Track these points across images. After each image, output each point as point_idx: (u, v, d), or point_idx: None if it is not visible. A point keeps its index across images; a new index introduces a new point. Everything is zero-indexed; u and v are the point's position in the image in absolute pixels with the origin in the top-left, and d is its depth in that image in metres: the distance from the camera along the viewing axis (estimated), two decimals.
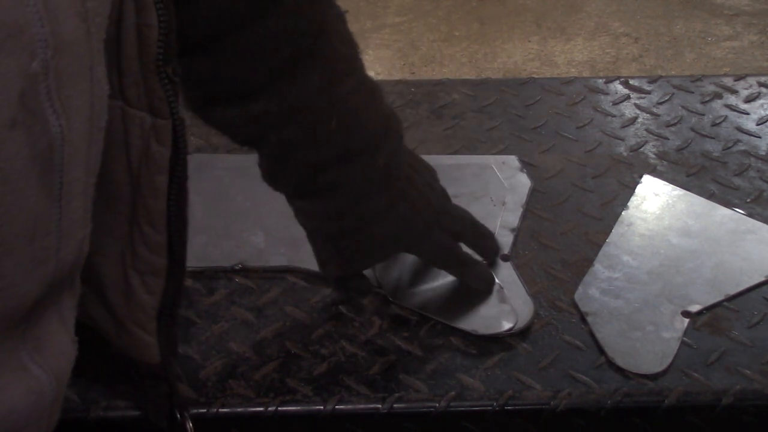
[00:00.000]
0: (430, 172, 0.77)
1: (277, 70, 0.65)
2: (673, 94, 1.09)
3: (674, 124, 1.04)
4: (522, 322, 0.76)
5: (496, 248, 0.81)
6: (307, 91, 0.66)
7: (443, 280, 0.79)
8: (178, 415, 0.64)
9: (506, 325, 0.75)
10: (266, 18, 0.64)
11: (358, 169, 0.69)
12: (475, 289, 0.78)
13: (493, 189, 0.91)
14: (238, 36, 0.64)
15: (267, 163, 0.71)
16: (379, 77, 2.63)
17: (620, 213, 0.89)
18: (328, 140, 0.68)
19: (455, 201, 0.78)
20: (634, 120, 1.04)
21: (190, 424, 0.64)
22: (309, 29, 0.66)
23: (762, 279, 0.82)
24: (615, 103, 1.07)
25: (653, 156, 0.98)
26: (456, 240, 0.77)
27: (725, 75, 1.15)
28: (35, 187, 0.40)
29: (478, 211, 0.82)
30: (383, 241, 0.72)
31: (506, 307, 0.76)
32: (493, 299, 0.78)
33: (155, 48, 0.49)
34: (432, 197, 0.74)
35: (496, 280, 0.79)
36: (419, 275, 0.80)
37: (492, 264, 0.81)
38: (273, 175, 0.71)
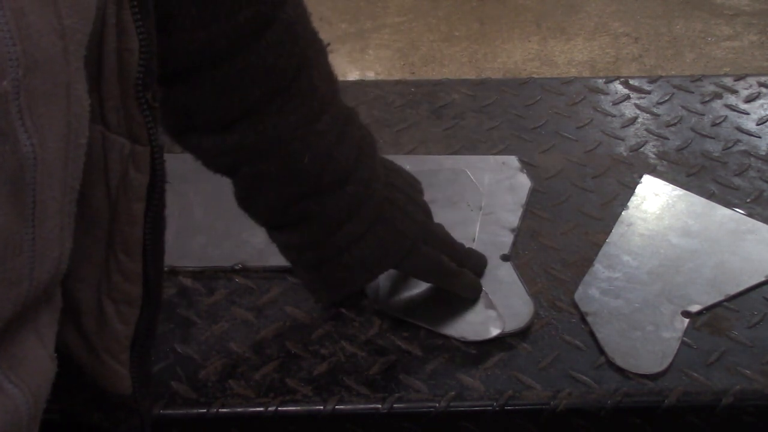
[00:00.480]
0: (412, 186, 0.76)
1: (254, 105, 0.66)
2: (673, 94, 1.09)
3: (674, 124, 1.04)
4: (522, 322, 0.76)
5: (483, 262, 0.81)
6: (282, 127, 0.67)
7: (428, 287, 0.79)
8: None
9: (494, 331, 0.75)
10: (247, 53, 0.64)
11: (329, 200, 0.70)
12: (461, 297, 0.78)
13: (470, 194, 0.91)
14: (217, 69, 0.64)
15: (240, 194, 0.71)
16: (379, 77, 2.63)
17: (620, 213, 0.89)
18: (300, 175, 0.69)
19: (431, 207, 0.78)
20: (634, 120, 1.04)
21: None
22: (289, 66, 0.66)
23: (762, 279, 0.82)
24: (615, 103, 1.07)
25: (653, 156, 0.98)
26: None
27: (725, 75, 1.15)
28: (5, 207, 0.39)
29: (455, 216, 0.83)
30: (366, 264, 0.72)
31: (492, 313, 0.76)
32: (480, 305, 0.77)
33: (135, 73, 0.48)
34: (416, 214, 0.74)
35: (483, 288, 0.78)
36: (404, 283, 0.80)
37: (479, 276, 0.80)
38: (246, 206, 0.72)
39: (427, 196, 0.78)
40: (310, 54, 0.67)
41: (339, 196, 0.70)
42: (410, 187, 0.76)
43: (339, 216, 0.70)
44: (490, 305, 0.77)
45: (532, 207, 0.90)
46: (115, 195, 0.51)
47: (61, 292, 0.49)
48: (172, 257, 0.82)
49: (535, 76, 2.69)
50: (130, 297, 0.54)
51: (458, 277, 0.77)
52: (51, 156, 0.41)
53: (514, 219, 0.88)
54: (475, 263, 0.80)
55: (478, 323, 0.76)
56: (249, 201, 0.71)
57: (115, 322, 0.55)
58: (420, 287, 0.79)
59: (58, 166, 0.42)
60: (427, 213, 0.76)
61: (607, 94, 1.09)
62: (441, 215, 0.79)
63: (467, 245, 0.81)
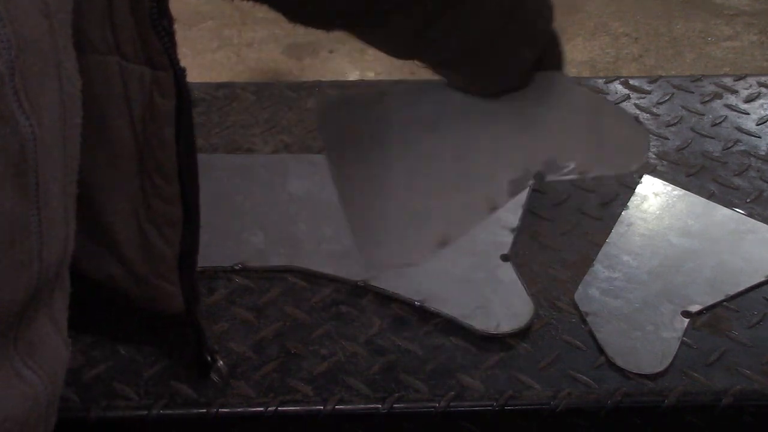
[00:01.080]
0: None
1: None
2: (673, 94, 1.09)
3: (674, 124, 1.03)
4: (521, 322, 0.76)
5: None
6: None
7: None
8: (209, 359, 0.65)
9: (505, 328, 0.75)
10: None
11: None
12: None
13: None
14: None
15: None
16: (379, 77, 2.63)
17: (620, 213, 0.89)
18: None
19: None
20: None
21: (221, 363, 0.65)
22: None
23: (762, 279, 0.82)
24: (615, 103, 1.07)
25: (653, 156, 0.98)
26: None
27: (725, 75, 1.15)
28: (10, 191, 0.40)
29: None
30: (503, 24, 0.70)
31: (508, 311, 0.77)
32: (510, 295, 0.78)
33: (148, 2, 0.49)
34: None
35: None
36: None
37: None
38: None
39: None
40: None
41: None
42: None
43: None
44: (521, 295, 0.78)
45: (532, 207, 0.90)
46: (140, 124, 0.52)
47: (95, 234, 0.50)
48: None
49: None
50: (172, 218, 0.56)
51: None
52: (49, 136, 0.41)
53: (514, 219, 0.88)
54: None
55: (507, 315, 0.76)
56: None
57: (160, 245, 0.57)
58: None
59: (57, 146, 0.42)
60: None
61: (607, 94, 1.09)
62: None
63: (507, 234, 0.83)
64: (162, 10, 0.49)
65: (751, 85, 1.11)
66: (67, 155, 0.44)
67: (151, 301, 0.60)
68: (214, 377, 0.66)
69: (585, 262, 0.83)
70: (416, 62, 0.72)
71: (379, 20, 0.65)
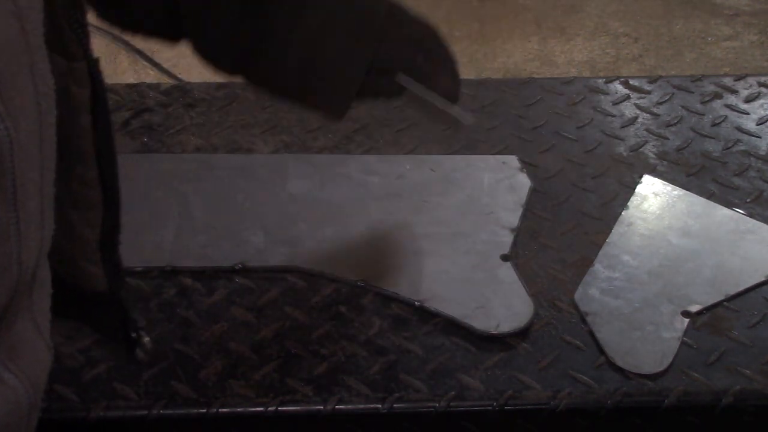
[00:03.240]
0: None
1: None
2: (673, 94, 1.09)
3: (674, 124, 1.04)
4: (521, 322, 0.76)
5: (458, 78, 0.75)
6: None
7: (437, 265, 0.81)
8: (134, 335, 0.65)
9: (505, 328, 0.75)
10: None
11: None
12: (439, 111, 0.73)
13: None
14: None
15: (195, 35, 0.69)
16: None
17: (620, 213, 0.89)
18: None
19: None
20: (634, 120, 1.04)
21: (147, 339, 0.66)
22: None
23: (762, 279, 0.82)
24: (615, 103, 1.07)
25: (653, 156, 0.98)
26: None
27: (725, 75, 1.15)
28: None
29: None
30: (347, 51, 0.69)
31: (508, 311, 0.77)
32: (500, 297, 0.78)
33: None
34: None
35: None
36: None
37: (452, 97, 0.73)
38: (207, 48, 0.70)
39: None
40: None
41: None
42: None
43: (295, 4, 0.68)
44: (507, 301, 0.78)
45: (532, 207, 0.90)
46: (60, 112, 0.52)
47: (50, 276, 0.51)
48: (172, 257, 0.83)
49: (535, 76, 2.69)
50: (92, 202, 0.57)
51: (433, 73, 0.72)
52: (25, 138, 0.41)
53: (514, 219, 0.88)
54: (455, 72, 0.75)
55: (492, 316, 0.76)
56: (207, 39, 0.69)
57: (82, 227, 0.58)
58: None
59: (33, 147, 0.42)
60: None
61: (607, 94, 1.09)
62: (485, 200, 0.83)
63: (506, 235, 0.84)
64: (74, 2, 0.50)
65: (751, 85, 1.11)
66: (44, 156, 0.44)
67: (77, 280, 0.61)
68: (139, 353, 0.66)
69: (585, 262, 0.83)
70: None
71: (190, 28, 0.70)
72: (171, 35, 0.71)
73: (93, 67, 0.53)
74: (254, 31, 0.68)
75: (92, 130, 0.54)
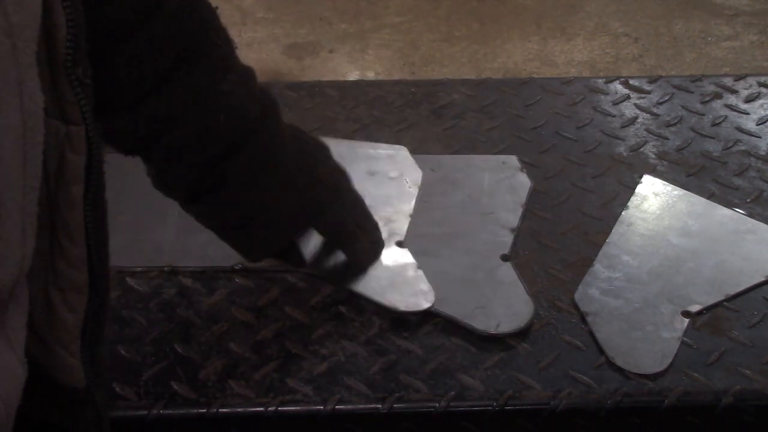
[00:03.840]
0: (323, 149, 0.79)
1: (164, 73, 0.67)
2: (673, 94, 1.09)
3: (674, 124, 1.04)
4: (522, 322, 0.76)
5: (380, 243, 0.83)
6: (194, 91, 0.68)
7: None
8: None
9: (425, 304, 0.77)
10: (151, 21, 0.65)
11: (243, 154, 0.72)
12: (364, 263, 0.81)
13: (409, 172, 0.93)
14: (127, 43, 0.65)
15: (158, 169, 0.72)
16: (379, 77, 2.62)
17: (620, 213, 0.89)
18: (215, 136, 0.70)
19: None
20: (634, 120, 1.04)
21: None
22: (191, 30, 0.67)
23: (762, 279, 0.82)
24: (615, 103, 1.07)
25: (653, 156, 0.98)
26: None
27: (725, 75, 1.15)
28: None
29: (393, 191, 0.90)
30: (289, 214, 0.76)
31: (425, 287, 0.79)
32: (415, 279, 0.80)
33: (63, 49, 0.47)
34: (330, 172, 0.78)
35: (408, 260, 0.82)
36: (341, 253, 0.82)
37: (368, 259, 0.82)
38: (165, 181, 0.73)
39: (367, 171, 0.86)
40: (207, 16, 0.69)
41: (252, 147, 0.72)
42: (321, 149, 0.79)
43: (255, 168, 0.72)
44: (421, 280, 0.79)
45: (532, 207, 0.90)
46: (54, 180, 0.49)
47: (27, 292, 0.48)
48: (172, 257, 0.83)
49: (535, 76, 2.69)
50: (76, 284, 0.53)
51: (358, 242, 0.80)
52: (8, 155, 0.40)
53: (514, 219, 0.88)
54: (374, 238, 0.83)
55: (410, 295, 0.78)
56: (168, 175, 0.72)
57: (63, 311, 0.53)
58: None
59: (16, 165, 0.41)
60: (341, 173, 0.80)
61: (607, 94, 1.09)
62: (379, 190, 0.87)
63: (404, 220, 0.86)
64: (77, 60, 0.48)
65: (751, 85, 1.11)
66: (27, 174, 0.42)
67: (53, 371, 0.55)
68: None
69: (585, 262, 0.83)
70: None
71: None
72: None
73: (92, 133, 0.50)
74: (213, 181, 0.72)
75: (83, 202, 0.51)
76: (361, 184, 0.82)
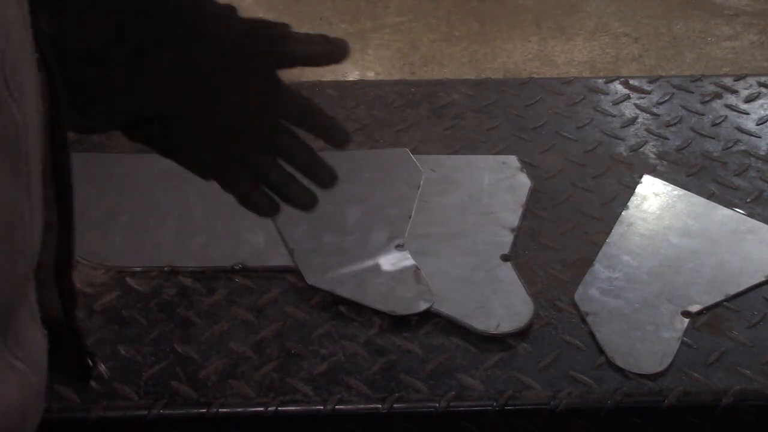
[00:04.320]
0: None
1: None
2: (673, 94, 1.09)
3: (674, 124, 1.04)
4: (521, 322, 0.76)
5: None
6: None
7: (360, 264, 0.81)
8: (90, 363, 0.63)
9: (423, 305, 0.77)
10: None
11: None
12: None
13: (410, 173, 0.93)
14: None
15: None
16: (379, 77, 2.62)
17: (620, 213, 0.89)
18: None
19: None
20: (634, 120, 1.04)
21: (102, 368, 0.65)
22: None
23: (762, 279, 0.82)
24: (615, 103, 1.07)
25: (653, 156, 0.98)
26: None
27: (725, 75, 1.15)
28: (9, 178, 0.40)
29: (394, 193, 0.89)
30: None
31: (423, 288, 0.78)
32: (411, 280, 0.79)
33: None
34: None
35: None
36: (335, 258, 0.82)
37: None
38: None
39: (368, 174, 0.85)
40: None
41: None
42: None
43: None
44: (421, 280, 0.79)
45: (532, 207, 0.90)
46: None
47: None
48: (172, 257, 0.83)
49: (535, 76, 2.69)
50: (47, 224, 0.54)
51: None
52: (32, 124, 0.41)
53: (514, 219, 0.88)
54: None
55: (409, 297, 0.78)
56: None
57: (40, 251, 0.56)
58: (350, 262, 0.81)
59: (36, 135, 0.42)
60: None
61: (607, 94, 1.09)
62: (380, 192, 0.87)
63: (403, 222, 0.86)
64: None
65: (751, 85, 1.11)
66: (41, 143, 0.44)
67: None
68: (94, 383, 0.65)
69: (585, 262, 0.83)
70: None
71: None
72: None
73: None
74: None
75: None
76: (361, 186, 0.82)
